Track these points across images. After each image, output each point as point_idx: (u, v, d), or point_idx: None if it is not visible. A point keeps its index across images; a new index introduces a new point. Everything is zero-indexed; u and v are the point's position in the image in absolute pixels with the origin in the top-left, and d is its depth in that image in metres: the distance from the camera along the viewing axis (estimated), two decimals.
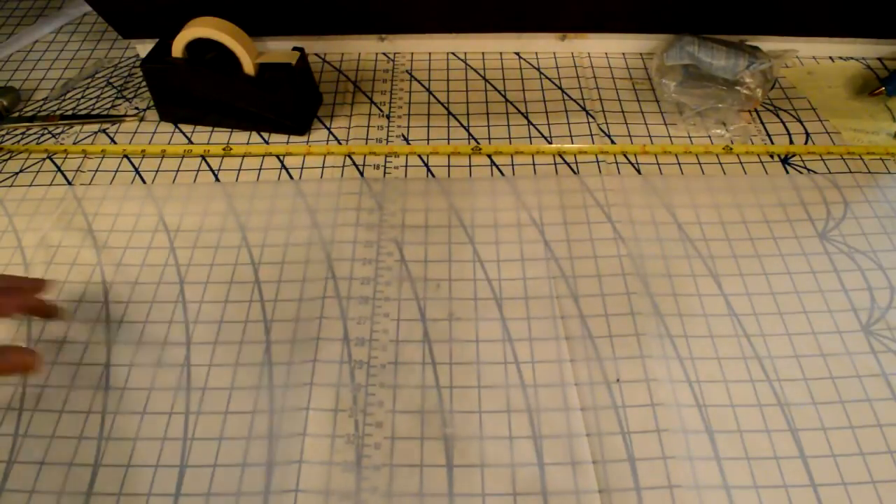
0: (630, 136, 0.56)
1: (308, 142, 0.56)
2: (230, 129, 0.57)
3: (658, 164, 0.53)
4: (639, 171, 0.53)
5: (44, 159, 0.55)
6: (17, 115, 0.59)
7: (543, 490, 0.37)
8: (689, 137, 0.55)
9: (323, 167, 0.53)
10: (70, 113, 0.59)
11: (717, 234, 0.48)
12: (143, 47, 0.64)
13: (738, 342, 0.43)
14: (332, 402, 0.40)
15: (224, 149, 0.55)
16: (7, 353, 0.38)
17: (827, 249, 0.47)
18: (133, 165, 0.54)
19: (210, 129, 0.57)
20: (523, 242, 0.48)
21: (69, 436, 0.39)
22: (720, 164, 0.53)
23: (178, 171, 0.54)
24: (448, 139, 0.56)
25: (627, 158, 0.54)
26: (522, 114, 0.58)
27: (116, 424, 0.40)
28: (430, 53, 0.64)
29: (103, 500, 0.37)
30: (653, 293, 0.45)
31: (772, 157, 0.54)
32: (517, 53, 0.64)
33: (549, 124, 0.57)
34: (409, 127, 0.57)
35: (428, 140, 0.56)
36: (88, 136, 0.57)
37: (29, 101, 0.60)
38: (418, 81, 0.61)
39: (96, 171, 0.54)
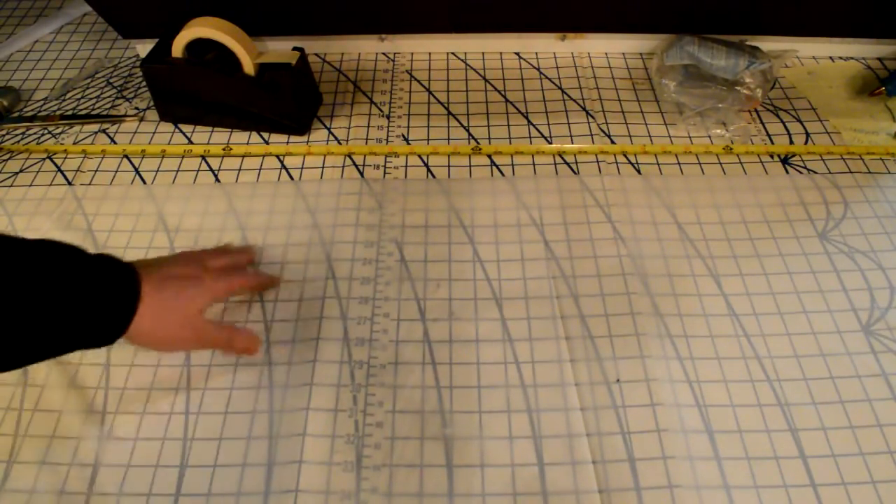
0: (630, 136, 0.56)
1: (308, 142, 0.56)
2: (230, 129, 0.57)
3: (658, 164, 0.53)
4: (639, 171, 0.53)
5: (44, 159, 0.55)
6: (17, 115, 0.59)
7: (543, 490, 0.37)
8: (689, 137, 0.55)
9: (323, 167, 0.53)
10: (70, 113, 0.59)
11: (717, 234, 0.48)
12: (143, 47, 0.64)
13: (738, 342, 0.43)
14: (332, 402, 0.40)
15: (224, 149, 0.55)
16: (236, 337, 0.41)
17: (827, 249, 0.47)
18: (133, 165, 0.54)
19: (210, 129, 0.57)
20: (523, 242, 0.48)
21: (69, 436, 0.39)
22: (720, 164, 0.53)
23: (178, 171, 0.54)
24: (448, 139, 0.56)
25: (627, 158, 0.54)
26: (522, 114, 0.58)
27: (117, 424, 0.40)
28: (430, 53, 0.64)
29: (103, 500, 0.37)
30: (653, 293, 0.45)
31: (772, 157, 0.54)
32: (517, 53, 0.64)
33: (549, 124, 0.57)
34: (409, 127, 0.57)
35: (428, 140, 0.56)
36: (88, 136, 0.57)
37: (29, 101, 0.60)
38: (418, 81, 0.61)
39: (96, 171, 0.54)
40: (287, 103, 0.54)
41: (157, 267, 0.39)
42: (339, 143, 0.55)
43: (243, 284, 0.44)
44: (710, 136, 0.55)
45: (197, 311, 0.39)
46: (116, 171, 0.54)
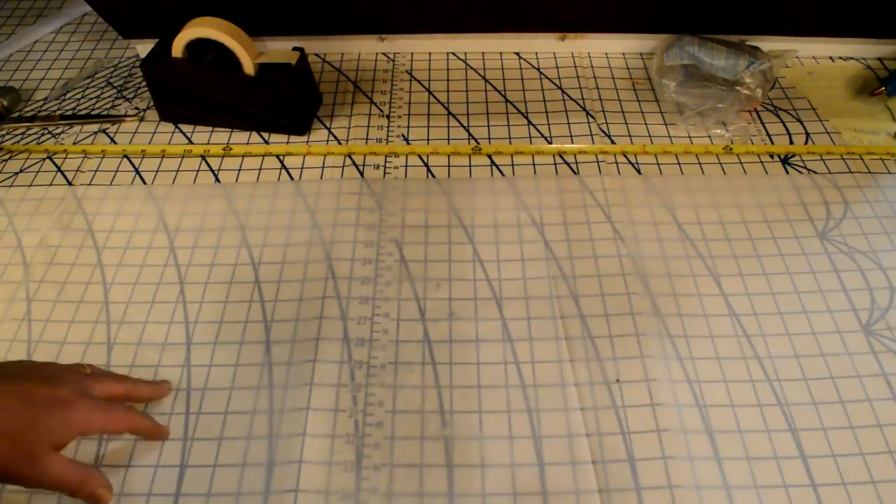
0: (630, 136, 0.56)
1: (308, 142, 0.56)
2: (230, 129, 0.57)
3: (658, 164, 0.53)
4: (639, 171, 0.53)
5: (44, 159, 0.55)
6: (17, 115, 0.59)
7: (543, 490, 0.37)
8: (689, 137, 0.55)
9: (323, 167, 0.53)
10: (70, 113, 0.59)
11: (717, 234, 0.48)
12: (143, 47, 0.64)
13: (738, 342, 0.43)
14: (332, 402, 0.40)
15: (224, 149, 0.55)
16: (88, 481, 0.34)
17: (827, 249, 0.47)
18: (133, 165, 0.54)
19: (210, 129, 0.57)
20: (523, 242, 0.48)
21: None
22: (720, 164, 0.53)
23: (178, 171, 0.54)
24: (448, 139, 0.56)
25: (627, 158, 0.54)
26: (522, 114, 0.58)
27: None
28: (430, 53, 0.64)
29: None
30: (653, 293, 0.45)
31: (772, 157, 0.54)
32: (517, 53, 0.64)
33: (549, 124, 0.57)
34: (409, 127, 0.57)
35: (428, 140, 0.56)
36: (88, 136, 0.57)
37: (29, 101, 0.60)
38: (418, 81, 0.61)
39: (96, 171, 0.54)
40: (287, 103, 0.54)
41: (13, 381, 0.32)
42: (339, 143, 0.55)
43: (127, 426, 0.37)
44: (710, 136, 0.55)
45: (48, 445, 0.32)
46: (116, 172, 0.54)
